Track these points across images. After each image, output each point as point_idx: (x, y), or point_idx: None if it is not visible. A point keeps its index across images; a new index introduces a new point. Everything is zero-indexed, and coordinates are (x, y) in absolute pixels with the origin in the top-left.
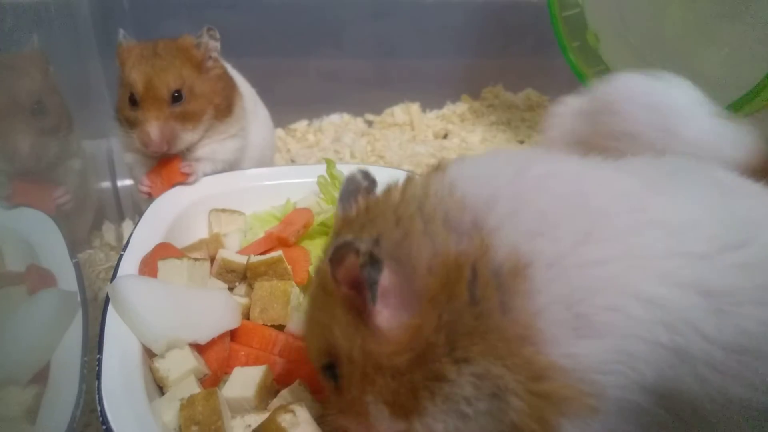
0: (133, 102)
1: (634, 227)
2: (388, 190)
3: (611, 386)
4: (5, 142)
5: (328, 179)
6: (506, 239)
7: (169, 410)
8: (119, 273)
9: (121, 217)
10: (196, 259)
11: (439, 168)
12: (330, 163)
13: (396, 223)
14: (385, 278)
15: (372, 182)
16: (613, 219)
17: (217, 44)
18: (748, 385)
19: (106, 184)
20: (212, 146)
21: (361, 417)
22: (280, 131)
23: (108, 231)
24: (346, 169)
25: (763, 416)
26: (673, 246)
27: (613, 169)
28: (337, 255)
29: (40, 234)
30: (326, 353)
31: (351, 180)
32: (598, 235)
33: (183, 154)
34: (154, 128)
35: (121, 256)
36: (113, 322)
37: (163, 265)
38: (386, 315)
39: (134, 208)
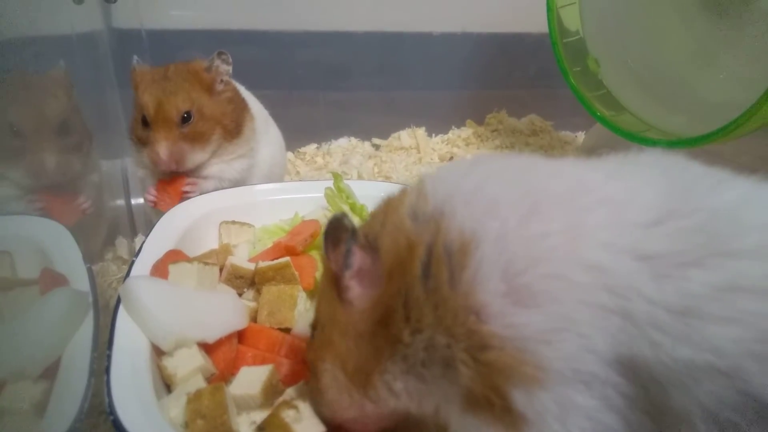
0: (145, 123)
1: (580, 205)
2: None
3: (557, 357)
4: (33, 159)
5: (335, 191)
6: (459, 222)
7: (176, 406)
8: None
9: (133, 233)
10: (206, 263)
11: (419, 178)
12: (337, 177)
13: (378, 220)
14: (364, 262)
15: None
16: (559, 199)
17: (229, 68)
18: (693, 345)
19: (120, 202)
20: (220, 166)
21: (315, 379)
22: (289, 154)
23: (121, 245)
24: (353, 185)
25: (704, 375)
26: (614, 218)
27: (565, 161)
28: (330, 229)
29: (54, 241)
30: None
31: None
32: (543, 212)
33: (191, 172)
34: (163, 148)
35: (132, 262)
36: (123, 320)
37: (173, 269)
38: (358, 291)
39: (147, 225)
